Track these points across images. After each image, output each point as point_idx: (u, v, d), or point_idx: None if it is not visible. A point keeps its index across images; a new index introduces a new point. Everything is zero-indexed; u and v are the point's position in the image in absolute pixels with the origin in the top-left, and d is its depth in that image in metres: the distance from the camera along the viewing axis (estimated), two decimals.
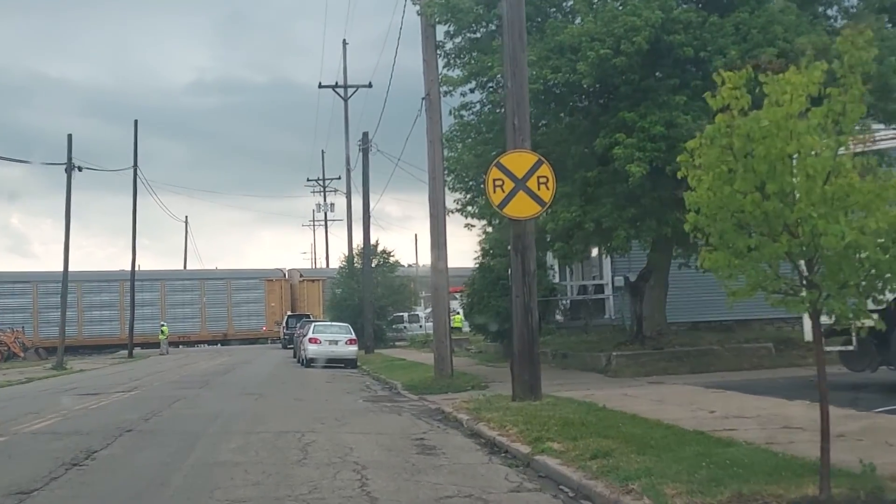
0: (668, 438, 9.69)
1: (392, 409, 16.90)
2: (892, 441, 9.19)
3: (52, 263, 43.12)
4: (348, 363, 34.63)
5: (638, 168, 18.78)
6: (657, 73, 20.77)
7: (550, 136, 21.86)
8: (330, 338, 35.44)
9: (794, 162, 5.77)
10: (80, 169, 45.59)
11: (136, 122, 55.28)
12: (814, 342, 6.79)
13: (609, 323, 30.15)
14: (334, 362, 34.46)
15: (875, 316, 6.69)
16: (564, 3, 22.66)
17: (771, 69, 6.02)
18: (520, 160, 14.96)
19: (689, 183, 6.53)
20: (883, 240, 5.79)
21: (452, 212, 24.94)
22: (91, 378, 32.25)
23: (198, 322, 63.94)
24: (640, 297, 23.28)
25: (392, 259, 55.16)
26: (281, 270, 69.63)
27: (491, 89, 22.84)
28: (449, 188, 24.19)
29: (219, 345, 63.52)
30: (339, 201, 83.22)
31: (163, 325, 56.73)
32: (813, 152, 5.82)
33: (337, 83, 59.06)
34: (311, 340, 35.36)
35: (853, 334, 13.50)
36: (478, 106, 23.56)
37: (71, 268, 46.61)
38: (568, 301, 33.10)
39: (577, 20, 21.51)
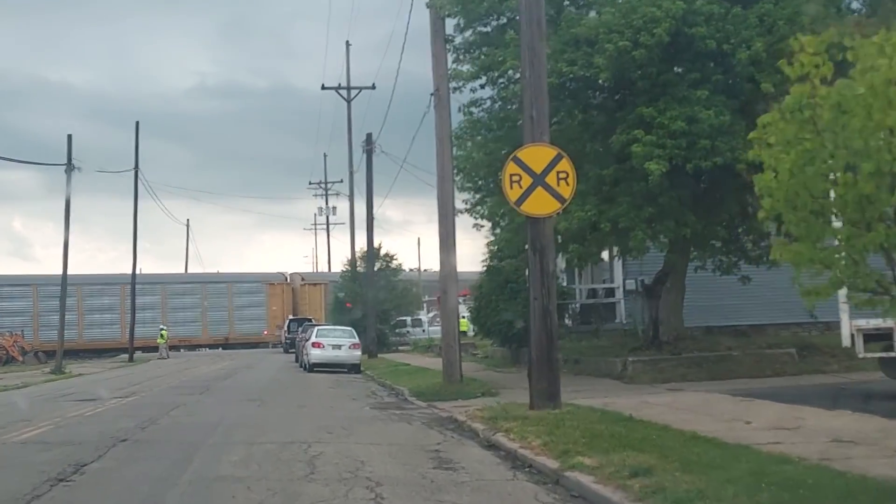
0: (711, 453, 8.85)
1: (401, 417, 16.07)
2: None
3: (53, 267, 42.74)
4: (352, 368, 33.86)
5: (657, 166, 17.97)
6: (676, 68, 19.98)
7: (564, 133, 20.97)
8: (333, 342, 34.62)
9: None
10: (79, 169, 44.86)
11: (137, 123, 54.77)
12: None
13: (620, 327, 29.32)
14: (337, 367, 33.70)
15: None
16: None
17: (859, 32, 5.20)
18: (538, 154, 14.12)
19: (755, 165, 5.68)
20: None
21: (461, 212, 24.16)
22: (89, 383, 31.42)
23: (199, 326, 63.21)
24: (657, 300, 22.43)
25: (395, 262, 54.35)
26: (282, 274, 68.88)
27: (502, 85, 22.02)
28: (458, 188, 23.37)
29: (220, 349, 62.82)
30: (341, 205, 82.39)
31: (162, 329, 55.82)
32: None
33: (340, 85, 58.35)
34: (313, 345, 34.56)
35: None
36: (488, 102, 22.74)
37: (72, 271, 45.84)
38: (577, 305, 32.24)
39: (592, 13, 20.72)
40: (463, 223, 22.11)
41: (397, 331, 54.45)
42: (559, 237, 20.88)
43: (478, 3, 21.22)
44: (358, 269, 52.26)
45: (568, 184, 14.03)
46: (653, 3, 18.29)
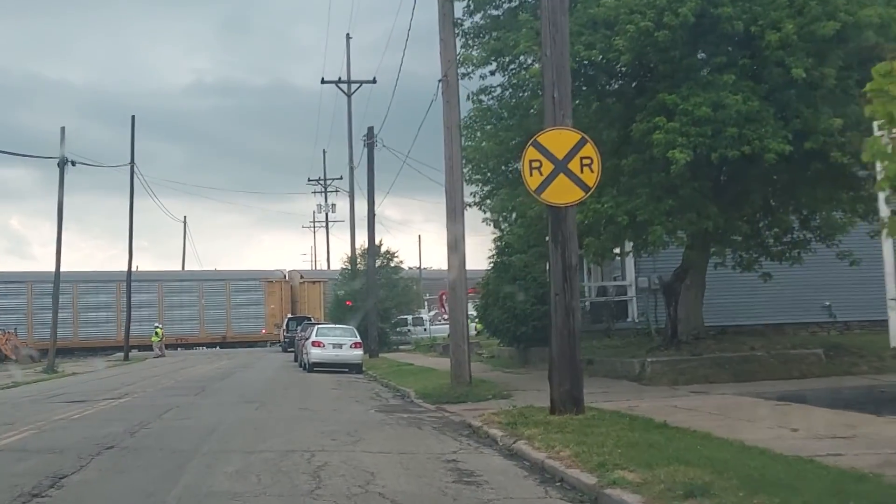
0: (771, 468, 7.80)
1: (410, 422, 14.99)
2: None
3: (50, 265, 41.89)
4: (353, 368, 32.84)
5: (682, 154, 16.89)
6: (699, 53, 18.92)
7: (579, 122, 19.74)
8: (334, 341, 33.57)
9: None
10: (73, 163, 43.80)
11: (132, 117, 53.88)
12: None
13: (632, 327, 28.25)
14: (338, 367, 32.66)
15: None
16: None
17: None
18: (560, 138, 13.06)
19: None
20: None
21: (470, 206, 23.10)
22: (81, 382, 30.36)
23: (196, 324, 62.28)
24: (675, 298, 21.36)
25: (396, 260, 53.33)
26: (281, 272, 67.88)
27: (513, 71, 20.95)
28: (465, 180, 22.27)
29: (217, 347, 61.89)
30: (341, 203, 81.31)
31: (157, 327, 54.72)
32: None
33: (340, 79, 57.29)
34: (314, 344, 33.51)
35: None
36: (498, 90, 21.66)
37: (71, 269, 44.79)
38: (587, 303, 31.16)
39: None
40: (466, 221, 21.01)
41: (398, 329, 53.46)
42: None
43: None
44: (358, 266, 51.26)
45: (592, 170, 12.99)
46: None
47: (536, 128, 17.07)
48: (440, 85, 21.15)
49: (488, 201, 23.29)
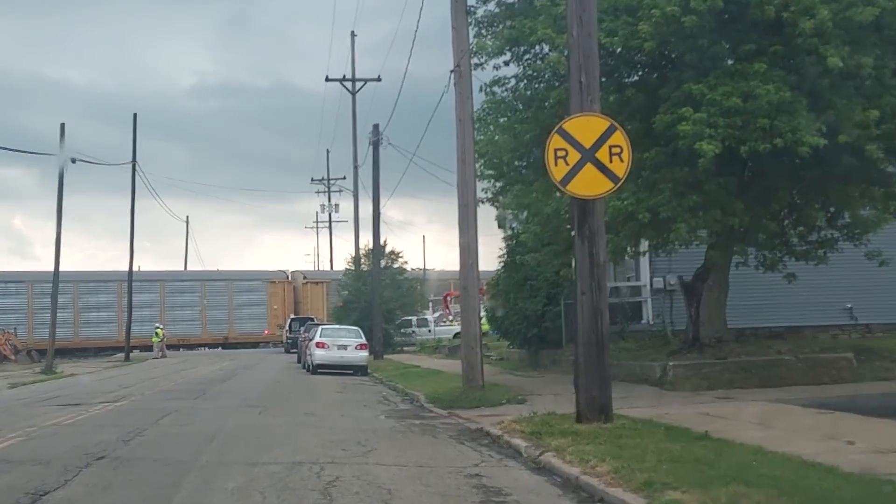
0: (846, 490, 6.87)
1: (423, 430, 14.05)
2: None
3: (51, 265, 41.22)
4: (358, 370, 31.95)
5: (710, 146, 15.95)
6: (724, 42, 17.97)
7: None
8: (339, 342, 32.69)
9: None
10: (73, 160, 43.12)
11: (135, 115, 53.06)
12: None
13: (647, 329, 27.30)
14: (343, 369, 31.76)
15: None
16: None
17: None
18: (587, 125, 12.12)
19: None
20: None
21: (482, 202, 22.18)
22: (79, 384, 29.48)
23: (198, 325, 61.40)
24: (697, 299, 20.41)
25: (400, 260, 52.42)
26: (284, 272, 67.03)
27: (529, 61, 20.03)
28: (478, 176, 21.33)
29: (219, 348, 61.05)
30: (344, 203, 79.94)
31: (158, 327, 53.80)
32: None
33: (344, 77, 56.53)
34: (318, 345, 32.61)
35: None
36: (513, 81, 20.71)
37: (72, 269, 43.95)
38: None
39: None
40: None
41: (402, 331, 52.61)
42: None
43: None
44: (362, 266, 50.39)
45: (622, 160, 12.04)
46: None
47: (550, 121, 16.18)
48: (452, 76, 20.23)
49: (501, 197, 22.36)
